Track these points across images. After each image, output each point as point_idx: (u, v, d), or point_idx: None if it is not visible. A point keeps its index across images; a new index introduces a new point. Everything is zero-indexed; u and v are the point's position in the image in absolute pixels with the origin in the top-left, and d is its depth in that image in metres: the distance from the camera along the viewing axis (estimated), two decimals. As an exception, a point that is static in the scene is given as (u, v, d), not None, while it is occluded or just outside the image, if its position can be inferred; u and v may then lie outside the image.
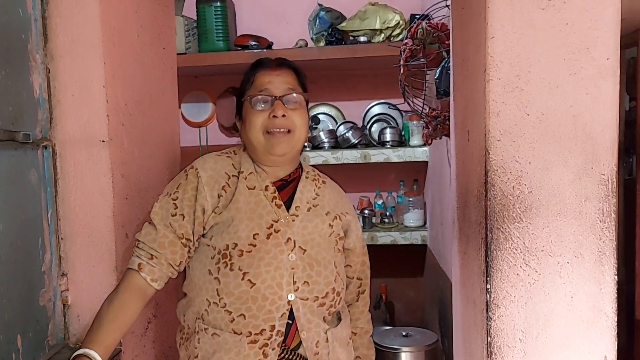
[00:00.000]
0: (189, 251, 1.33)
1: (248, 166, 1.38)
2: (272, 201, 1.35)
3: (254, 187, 1.35)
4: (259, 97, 1.35)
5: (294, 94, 1.36)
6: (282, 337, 1.30)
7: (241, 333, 1.28)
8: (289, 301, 1.30)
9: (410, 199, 3.23)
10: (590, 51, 1.26)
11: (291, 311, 1.30)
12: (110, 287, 1.35)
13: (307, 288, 1.31)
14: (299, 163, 1.45)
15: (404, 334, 2.53)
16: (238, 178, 1.35)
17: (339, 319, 1.43)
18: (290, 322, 1.31)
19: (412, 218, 3.22)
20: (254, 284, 1.27)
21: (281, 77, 1.36)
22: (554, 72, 1.26)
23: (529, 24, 1.26)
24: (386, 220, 3.23)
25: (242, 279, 1.27)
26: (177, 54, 2.80)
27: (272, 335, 1.29)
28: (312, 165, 1.62)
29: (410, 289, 3.43)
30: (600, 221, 1.28)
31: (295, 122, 1.35)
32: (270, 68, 1.38)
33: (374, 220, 3.25)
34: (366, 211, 3.19)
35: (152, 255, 1.30)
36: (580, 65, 1.26)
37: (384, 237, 3.07)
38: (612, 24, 1.26)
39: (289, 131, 1.34)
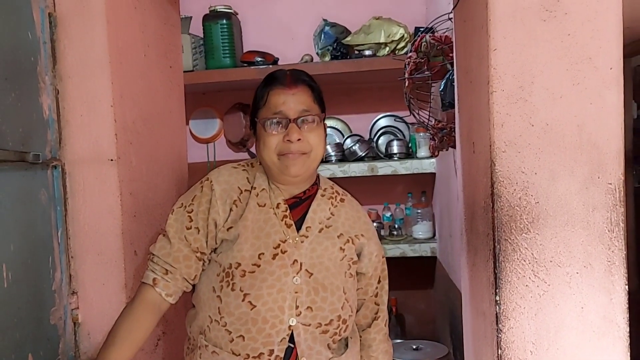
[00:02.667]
0: (203, 264, 1.32)
1: (261, 182, 1.34)
2: (282, 220, 1.31)
3: (265, 205, 1.32)
4: (273, 120, 1.29)
5: (309, 117, 1.30)
6: None
7: (239, 354, 1.26)
8: (289, 326, 1.26)
9: (419, 211, 3.22)
10: (593, 61, 1.26)
11: (292, 336, 1.27)
12: (120, 305, 1.36)
13: (310, 314, 1.27)
14: (315, 179, 1.41)
15: (414, 347, 2.51)
16: (250, 193, 1.32)
17: (346, 346, 1.38)
18: (292, 346, 1.27)
19: (420, 230, 3.20)
20: (255, 306, 1.25)
21: (296, 97, 1.30)
22: (557, 83, 1.27)
23: (531, 36, 1.27)
24: (395, 233, 3.22)
25: (243, 300, 1.25)
26: (185, 71, 2.84)
27: (270, 359, 1.26)
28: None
29: (420, 301, 3.41)
30: (609, 230, 1.27)
31: (311, 144, 1.30)
32: (284, 86, 1.31)
33: (382, 232, 3.24)
34: (374, 224, 3.18)
35: (167, 270, 1.29)
36: (583, 75, 1.27)
37: (393, 250, 3.06)
38: (615, 33, 1.26)
39: (305, 152, 1.30)
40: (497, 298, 1.30)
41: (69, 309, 1.41)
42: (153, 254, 1.32)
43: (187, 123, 3.18)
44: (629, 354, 1.27)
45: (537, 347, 1.28)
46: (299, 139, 1.28)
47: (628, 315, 1.27)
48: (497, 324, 1.29)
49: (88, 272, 1.42)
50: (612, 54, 1.26)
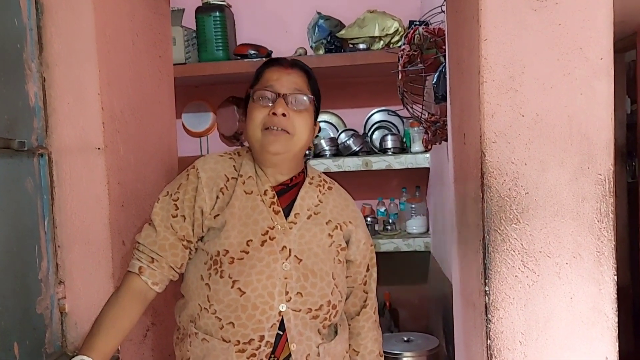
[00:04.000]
0: (190, 252, 1.32)
1: (248, 169, 1.34)
2: (269, 207, 1.31)
3: (252, 192, 1.32)
4: (263, 92, 1.31)
5: (299, 96, 1.31)
6: (271, 348, 1.27)
7: (230, 341, 1.26)
8: (280, 312, 1.26)
9: (413, 206, 3.22)
10: (583, 51, 1.26)
11: (282, 322, 1.27)
12: (107, 295, 1.35)
13: (300, 299, 1.27)
14: (302, 167, 1.41)
15: (405, 339, 2.51)
16: (237, 181, 1.32)
17: (336, 333, 1.38)
18: (281, 332, 1.27)
19: (414, 225, 3.20)
20: (244, 293, 1.24)
21: (291, 77, 1.32)
22: (548, 73, 1.26)
23: (522, 26, 1.26)
24: (389, 228, 3.22)
25: (232, 287, 1.25)
26: (177, 64, 2.84)
27: (260, 345, 1.26)
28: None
29: (414, 295, 3.41)
30: (598, 221, 1.27)
31: (295, 125, 1.30)
32: (281, 65, 1.34)
33: (376, 227, 3.24)
34: (368, 219, 3.18)
35: (152, 258, 1.29)
36: (574, 66, 1.26)
37: (387, 245, 3.06)
38: (605, 23, 1.25)
39: (288, 132, 1.29)
40: (487, 288, 1.29)
41: (55, 298, 1.40)
42: (139, 243, 1.32)
43: (180, 116, 3.17)
44: (617, 344, 1.27)
45: (526, 337, 1.28)
46: (283, 114, 1.29)
47: (617, 306, 1.27)
48: (486, 314, 1.29)
49: (75, 262, 1.41)
50: (602, 44, 1.26)
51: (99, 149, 1.38)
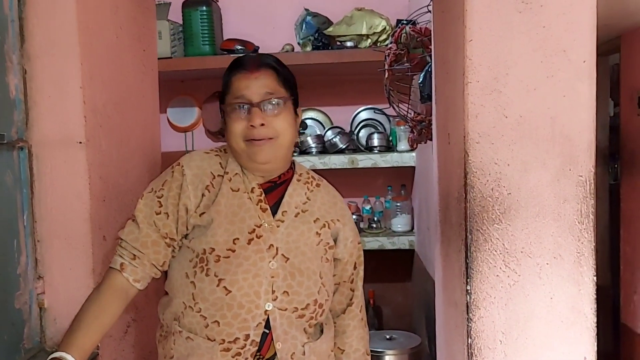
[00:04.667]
0: (173, 250, 1.30)
1: (234, 167, 1.32)
2: (257, 204, 1.30)
3: (238, 189, 1.30)
4: (235, 105, 1.27)
5: (274, 100, 1.27)
6: (257, 347, 1.26)
7: (214, 340, 1.25)
8: (266, 310, 1.25)
9: (398, 204, 3.23)
10: (567, 54, 1.27)
11: (268, 321, 1.26)
12: (87, 290, 1.33)
13: (286, 298, 1.26)
14: (290, 164, 1.38)
15: (388, 337, 2.53)
16: (223, 178, 1.30)
17: (322, 332, 1.37)
18: (267, 331, 1.27)
19: (399, 223, 3.22)
20: (230, 291, 1.23)
21: (259, 81, 1.27)
22: (532, 75, 1.27)
23: (507, 27, 1.27)
24: (374, 226, 3.23)
25: (218, 285, 1.24)
26: (163, 58, 2.81)
27: (245, 344, 1.25)
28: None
29: (398, 293, 3.42)
30: (579, 222, 1.28)
31: (277, 128, 1.27)
32: (247, 70, 1.29)
33: (361, 225, 3.25)
34: (354, 216, 3.18)
35: (134, 255, 1.27)
36: (557, 68, 1.27)
37: (372, 243, 3.07)
38: (589, 26, 1.27)
39: (271, 138, 1.27)
40: (468, 287, 1.30)
41: (34, 293, 1.39)
42: (121, 239, 1.30)
43: (165, 111, 3.14)
44: (596, 344, 1.29)
45: (507, 337, 1.29)
46: (262, 124, 1.26)
47: (596, 306, 1.29)
48: (467, 313, 1.30)
49: (55, 257, 1.39)
50: (585, 47, 1.27)
51: (80, 143, 1.37)
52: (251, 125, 1.26)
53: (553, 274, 1.28)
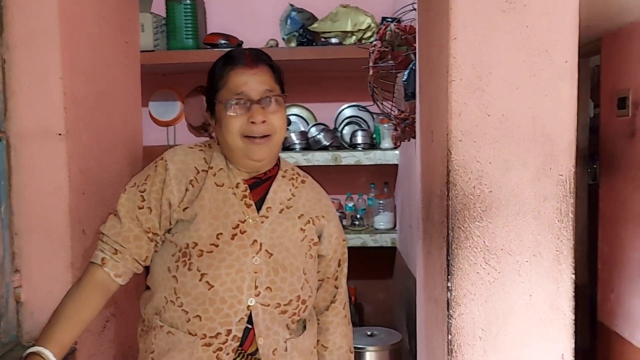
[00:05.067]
0: (155, 245, 1.29)
1: (219, 162, 1.31)
2: (241, 200, 1.29)
3: (223, 185, 1.29)
4: (234, 101, 1.25)
5: (273, 97, 1.27)
6: (238, 343, 1.26)
7: (196, 334, 1.24)
8: (248, 306, 1.24)
9: (381, 202, 3.24)
10: (549, 54, 1.28)
11: (251, 316, 1.25)
12: (66, 284, 1.32)
13: (269, 294, 1.26)
14: (276, 160, 1.38)
15: (369, 333, 2.54)
16: (207, 173, 1.29)
17: (304, 328, 1.37)
18: (250, 327, 1.26)
19: (382, 221, 3.23)
20: (212, 286, 1.23)
21: (257, 77, 1.26)
22: (514, 74, 1.28)
23: (491, 26, 1.28)
24: (356, 223, 3.24)
25: (200, 280, 1.23)
26: (145, 51, 2.78)
27: (227, 339, 1.24)
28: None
29: (379, 291, 3.44)
30: (559, 221, 1.30)
31: (275, 126, 1.27)
32: (245, 66, 1.27)
33: (344, 222, 3.25)
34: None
35: (116, 249, 1.26)
36: (539, 68, 1.29)
37: (354, 240, 3.08)
38: (571, 27, 1.28)
39: (269, 135, 1.27)
40: (449, 284, 1.31)
41: (11, 287, 1.36)
42: (103, 234, 1.29)
43: (147, 104, 3.11)
44: (573, 341, 1.31)
45: (486, 333, 1.30)
46: (263, 121, 1.25)
47: (574, 304, 1.31)
48: (448, 309, 1.31)
49: (32, 250, 1.37)
50: (568, 47, 1.28)
51: (60, 134, 1.35)
52: (252, 122, 1.25)
53: (532, 271, 1.30)
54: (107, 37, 1.58)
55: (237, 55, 1.30)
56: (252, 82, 1.26)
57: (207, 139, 1.37)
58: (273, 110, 1.27)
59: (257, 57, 1.29)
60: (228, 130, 1.27)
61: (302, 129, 3.28)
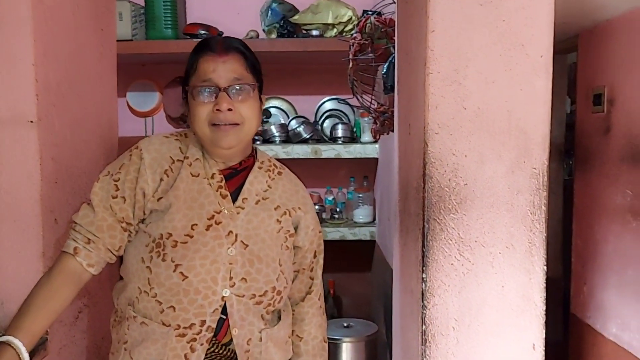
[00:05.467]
0: (129, 235, 1.28)
1: (195, 152, 1.30)
2: (217, 190, 1.28)
3: (198, 175, 1.29)
4: (202, 88, 1.24)
5: (242, 86, 1.25)
6: (212, 333, 1.26)
7: (170, 325, 1.24)
8: (222, 297, 1.24)
9: (360, 195, 3.25)
10: (525, 48, 1.30)
11: (225, 307, 1.25)
12: (37, 274, 1.30)
13: (244, 285, 1.26)
14: (251, 151, 1.37)
15: (345, 325, 2.55)
16: (183, 163, 1.28)
17: (279, 318, 1.38)
18: (224, 317, 1.26)
19: (361, 214, 3.24)
20: (187, 277, 1.22)
21: (227, 65, 1.25)
22: (491, 68, 1.29)
23: (468, 19, 1.29)
24: (336, 216, 3.24)
25: (174, 270, 1.22)
26: (123, 40, 2.74)
27: (201, 330, 1.24)
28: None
29: (358, 283, 3.45)
30: (531, 213, 1.32)
31: (243, 115, 1.26)
32: (215, 53, 1.25)
33: (324, 216, 3.26)
34: (316, 207, 3.19)
35: (89, 239, 1.25)
36: (515, 62, 1.30)
37: (333, 233, 3.09)
38: (546, 22, 1.29)
39: (237, 124, 1.26)
40: (424, 276, 1.32)
41: (-20, 277, 1.34)
42: (75, 223, 1.27)
43: (124, 95, 3.07)
44: (544, 331, 1.33)
45: (459, 324, 1.32)
46: (229, 109, 1.24)
47: (545, 295, 1.33)
48: (422, 300, 1.32)
49: (3, 239, 1.34)
50: (543, 42, 1.30)
51: (31, 122, 1.32)
52: (217, 110, 1.24)
53: (505, 263, 1.31)
54: (82, 24, 1.55)
55: (209, 42, 1.29)
56: (220, 69, 1.25)
57: (185, 129, 1.35)
58: (242, 99, 1.26)
59: (228, 45, 1.28)
60: (195, 117, 1.26)
61: (282, 121, 3.27)
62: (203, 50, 1.27)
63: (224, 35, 1.34)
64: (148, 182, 1.25)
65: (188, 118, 1.31)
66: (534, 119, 1.31)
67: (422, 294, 1.32)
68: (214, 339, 1.27)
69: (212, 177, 1.30)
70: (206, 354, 1.27)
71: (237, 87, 1.26)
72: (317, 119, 3.26)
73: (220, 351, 1.28)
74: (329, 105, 3.30)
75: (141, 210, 1.27)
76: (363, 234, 3.15)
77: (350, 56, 2.17)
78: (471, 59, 1.29)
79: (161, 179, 1.26)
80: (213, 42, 1.29)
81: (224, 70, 1.25)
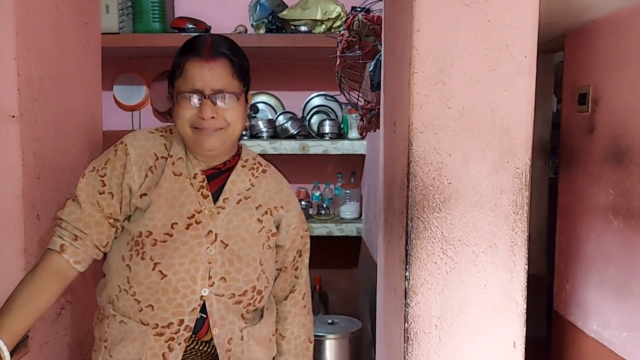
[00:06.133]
0: (116, 231, 1.27)
1: (178, 150, 1.29)
2: (198, 190, 1.28)
3: (181, 174, 1.28)
4: (187, 94, 1.22)
5: (227, 95, 1.23)
6: (191, 332, 1.26)
7: (148, 324, 1.23)
8: (201, 296, 1.24)
9: (347, 192, 3.26)
10: (509, 49, 1.30)
11: (204, 306, 1.25)
12: (17, 271, 1.28)
13: (223, 284, 1.26)
14: (237, 150, 1.36)
15: (330, 321, 2.56)
16: (167, 161, 1.28)
17: (261, 317, 1.37)
18: (204, 316, 1.26)
19: (348, 210, 3.25)
20: (165, 276, 1.22)
21: (213, 72, 1.22)
22: (475, 68, 1.30)
23: (453, 19, 1.29)
24: (323, 212, 3.25)
25: (153, 269, 1.22)
26: (110, 33, 2.72)
27: (179, 329, 1.24)
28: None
29: (344, 280, 3.46)
30: (514, 213, 1.33)
31: (227, 119, 1.24)
32: (202, 58, 1.21)
33: (310, 212, 3.26)
34: (303, 202, 3.19)
35: (76, 235, 1.23)
36: (500, 62, 1.30)
37: (320, 229, 3.09)
38: (531, 23, 1.30)
39: (220, 128, 1.24)
40: (407, 274, 1.33)
41: (-40, 274, 1.32)
42: (61, 219, 1.25)
43: (111, 88, 3.05)
44: (525, 329, 1.35)
45: (442, 322, 1.33)
46: (212, 117, 1.23)
47: (526, 294, 1.34)
48: (405, 298, 1.33)
49: (-17, 236, 1.32)
50: (527, 42, 1.30)
51: (13, 117, 1.30)
52: (201, 117, 1.23)
53: (488, 262, 1.33)
54: (66, 18, 1.53)
55: (197, 44, 1.25)
56: (206, 76, 1.22)
57: (171, 124, 1.34)
58: (226, 107, 1.24)
59: (216, 50, 1.24)
60: (179, 119, 1.25)
61: (270, 117, 3.26)
62: (189, 54, 1.24)
63: (212, 34, 1.31)
64: (134, 179, 1.25)
65: (175, 125, 1.29)
66: (517, 119, 1.32)
67: (405, 292, 1.33)
68: (193, 336, 1.27)
69: (194, 177, 1.29)
70: (186, 351, 1.26)
71: (222, 96, 1.24)
72: (305, 115, 3.26)
73: (201, 348, 1.28)
74: (316, 102, 3.30)
75: (128, 206, 1.26)
76: (350, 230, 3.16)
77: (338, 53, 2.17)
78: (456, 58, 1.30)
79: (146, 175, 1.26)
80: (201, 45, 1.24)
81: (209, 77, 1.22)
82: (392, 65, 1.56)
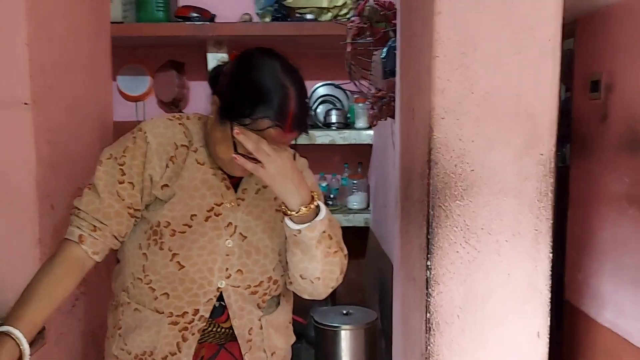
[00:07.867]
0: (135, 221, 1.24)
1: (199, 139, 1.25)
2: (222, 181, 1.25)
3: (204, 163, 1.25)
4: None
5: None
6: (205, 323, 1.25)
7: (163, 312, 1.22)
8: (218, 288, 1.23)
9: (354, 182, 3.24)
10: (533, 31, 1.27)
11: (221, 296, 1.24)
12: (32, 261, 1.26)
13: (240, 276, 1.24)
14: None
15: (344, 312, 2.54)
16: (188, 150, 1.24)
17: (278, 304, 1.36)
18: (223, 304, 1.25)
19: (355, 201, 3.23)
20: (183, 267, 1.21)
21: (286, 140, 1.18)
22: (499, 51, 1.27)
23: (476, 1, 1.26)
24: (330, 203, 3.23)
25: (171, 259, 1.20)
26: (114, 22, 2.66)
27: (194, 319, 1.23)
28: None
29: (352, 270, 3.41)
30: (538, 200, 1.30)
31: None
32: (284, 130, 1.14)
33: (317, 202, 3.23)
34: (309, 193, 3.17)
35: (95, 226, 1.20)
36: (524, 45, 1.27)
37: (327, 219, 3.07)
38: (555, 5, 1.27)
39: None
40: (429, 263, 1.31)
41: (-26, 265, 1.30)
42: (79, 209, 1.21)
43: (115, 79, 3.00)
44: (549, 319, 1.33)
45: (464, 312, 1.31)
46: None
47: (550, 283, 1.32)
48: (427, 288, 1.31)
49: (-3, 225, 1.30)
50: (551, 25, 1.27)
51: (26, 104, 1.27)
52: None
53: (512, 250, 1.30)
54: (77, 4, 1.50)
55: (280, 109, 1.14)
56: (278, 142, 1.16)
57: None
58: None
59: (299, 124, 1.18)
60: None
61: (276, 107, 3.22)
62: (270, 116, 1.13)
63: (294, 94, 1.21)
64: (156, 169, 1.21)
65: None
66: (542, 104, 1.29)
67: (427, 282, 1.31)
68: (211, 320, 1.25)
69: (218, 168, 1.26)
70: (204, 333, 1.26)
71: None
72: (311, 105, 3.22)
73: (219, 330, 1.28)
74: (322, 91, 3.26)
75: (148, 196, 1.23)
76: (357, 220, 3.14)
77: (349, 40, 2.14)
78: (479, 42, 1.27)
79: (167, 166, 1.22)
80: (284, 113, 1.15)
81: (281, 144, 1.18)
82: (409, 50, 1.53)
